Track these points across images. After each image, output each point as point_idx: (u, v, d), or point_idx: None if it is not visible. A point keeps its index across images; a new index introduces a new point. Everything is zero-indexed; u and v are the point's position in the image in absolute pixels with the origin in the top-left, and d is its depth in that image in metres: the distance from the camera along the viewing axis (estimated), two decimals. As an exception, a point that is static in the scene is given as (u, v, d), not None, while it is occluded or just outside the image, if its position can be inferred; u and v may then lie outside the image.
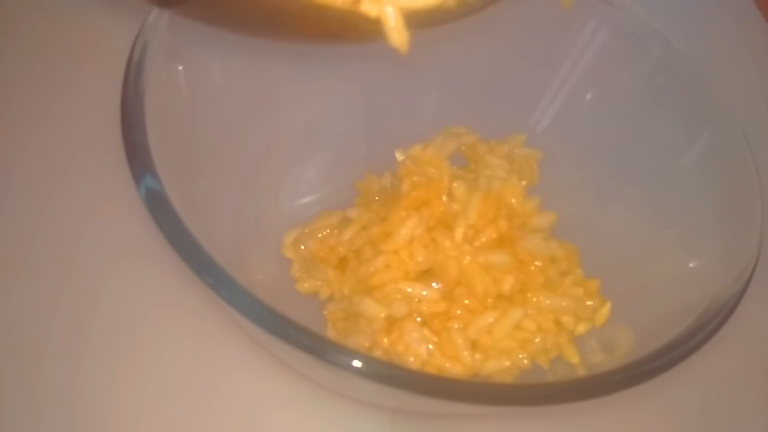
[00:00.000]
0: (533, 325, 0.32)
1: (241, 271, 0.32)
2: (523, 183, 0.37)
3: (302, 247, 0.36)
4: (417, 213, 0.33)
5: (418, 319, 0.32)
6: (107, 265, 0.35)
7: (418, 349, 0.31)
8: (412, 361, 0.31)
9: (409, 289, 0.32)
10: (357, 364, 0.24)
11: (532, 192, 0.37)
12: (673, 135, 0.37)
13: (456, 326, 0.31)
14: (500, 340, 0.31)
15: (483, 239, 0.33)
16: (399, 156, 0.38)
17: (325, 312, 0.35)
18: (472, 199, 0.34)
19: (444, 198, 0.34)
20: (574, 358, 0.33)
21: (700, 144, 0.36)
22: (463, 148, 0.39)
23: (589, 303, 0.34)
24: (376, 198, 0.37)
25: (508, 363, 0.32)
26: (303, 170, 0.39)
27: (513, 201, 0.35)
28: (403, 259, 0.33)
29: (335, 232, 0.35)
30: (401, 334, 0.31)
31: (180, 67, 0.32)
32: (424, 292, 0.32)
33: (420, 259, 0.33)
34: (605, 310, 0.34)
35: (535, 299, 0.33)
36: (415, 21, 0.21)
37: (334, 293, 0.35)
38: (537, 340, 0.32)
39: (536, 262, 0.34)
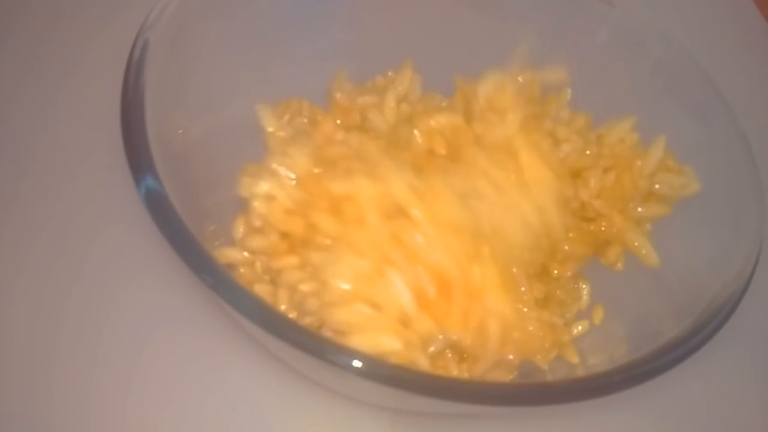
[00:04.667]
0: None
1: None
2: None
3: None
4: None
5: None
6: (107, 265, 0.35)
7: None
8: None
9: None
10: (357, 364, 0.24)
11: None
12: (673, 135, 0.37)
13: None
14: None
15: None
16: None
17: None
18: None
19: None
20: (574, 358, 0.33)
21: (700, 143, 0.36)
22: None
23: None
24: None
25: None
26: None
27: None
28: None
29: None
30: None
31: (180, 67, 0.32)
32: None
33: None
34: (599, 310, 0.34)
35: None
36: None
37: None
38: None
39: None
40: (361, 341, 0.28)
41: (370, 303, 0.28)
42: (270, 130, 0.35)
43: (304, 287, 0.29)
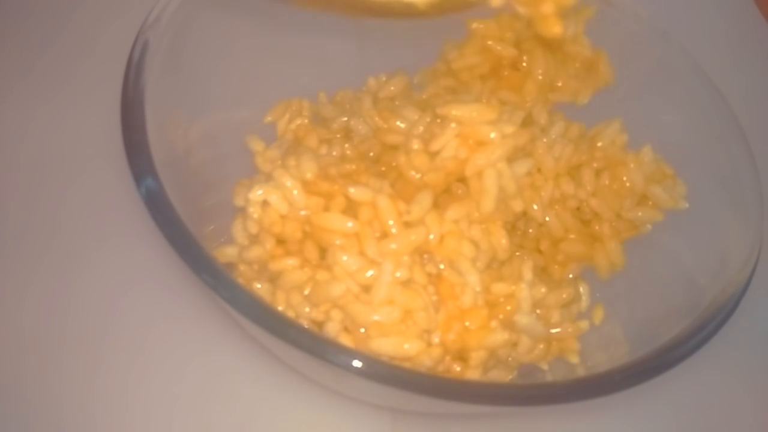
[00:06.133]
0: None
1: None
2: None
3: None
4: None
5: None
6: (107, 265, 0.35)
7: None
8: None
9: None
10: (357, 364, 0.24)
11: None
12: (673, 135, 0.37)
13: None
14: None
15: None
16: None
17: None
18: None
19: None
20: (574, 358, 0.33)
21: (700, 144, 0.36)
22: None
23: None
24: None
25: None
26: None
27: None
28: None
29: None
30: None
31: (180, 67, 0.32)
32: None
33: None
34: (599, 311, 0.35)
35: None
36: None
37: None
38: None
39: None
40: (386, 343, 0.28)
41: (403, 309, 0.28)
42: (258, 150, 0.35)
43: (321, 276, 0.29)
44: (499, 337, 0.30)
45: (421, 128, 0.33)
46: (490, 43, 0.37)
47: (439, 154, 0.32)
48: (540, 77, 0.36)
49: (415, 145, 0.32)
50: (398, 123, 0.33)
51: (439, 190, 0.32)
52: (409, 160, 0.32)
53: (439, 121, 0.32)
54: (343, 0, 0.26)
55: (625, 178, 0.35)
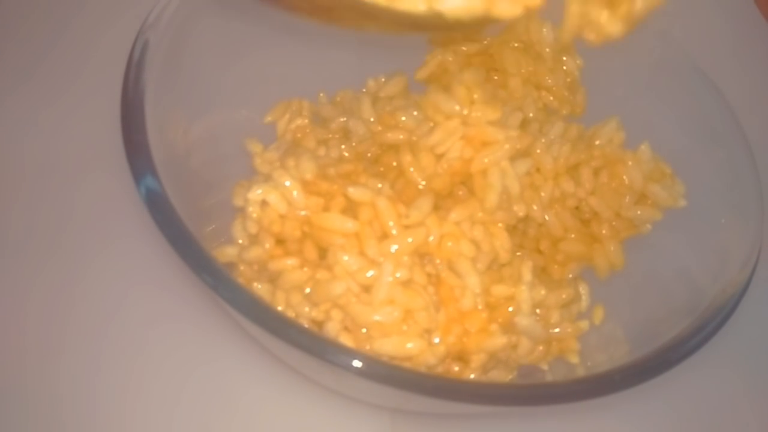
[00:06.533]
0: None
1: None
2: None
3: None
4: None
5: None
6: (107, 265, 0.35)
7: None
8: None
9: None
10: (357, 364, 0.24)
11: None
12: (673, 135, 0.37)
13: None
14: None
15: None
16: None
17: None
18: None
19: None
20: (574, 358, 0.33)
21: (700, 144, 0.36)
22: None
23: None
24: None
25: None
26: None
27: None
28: None
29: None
30: None
31: (180, 67, 0.32)
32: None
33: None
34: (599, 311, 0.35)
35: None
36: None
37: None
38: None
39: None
40: (388, 343, 0.28)
41: (404, 309, 0.29)
42: (257, 152, 0.35)
43: (321, 276, 0.29)
44: (499, 340, 0.30)
45: (426, 129, 0.33)
46: (448, 47, 0.37)
47: (444, 155, 0.32)
48: (514, 73, 0.36)
49: (423, 143, 0.32)
50: (403, 118, 0.33)
51: (444, 194, 0.32)
52: (416, 160, 0.32)
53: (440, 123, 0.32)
54: (357, 9, 0.24)
55: (624, 177, 0.35)
